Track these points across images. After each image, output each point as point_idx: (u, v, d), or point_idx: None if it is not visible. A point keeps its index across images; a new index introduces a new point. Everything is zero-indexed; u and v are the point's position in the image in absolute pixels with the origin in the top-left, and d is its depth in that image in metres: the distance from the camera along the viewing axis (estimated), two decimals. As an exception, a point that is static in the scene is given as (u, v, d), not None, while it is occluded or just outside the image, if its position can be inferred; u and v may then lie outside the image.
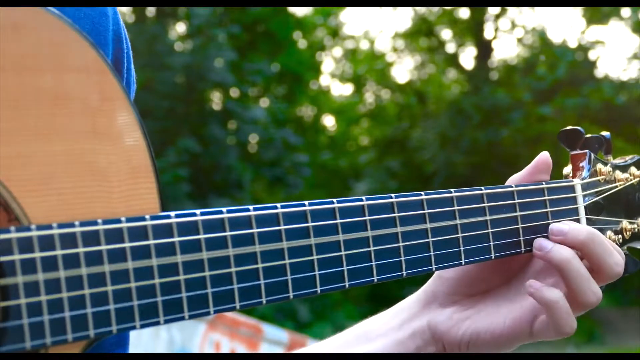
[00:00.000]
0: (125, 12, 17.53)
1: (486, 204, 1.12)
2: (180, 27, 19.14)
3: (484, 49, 23.12)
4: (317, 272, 0.95)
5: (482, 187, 1.12)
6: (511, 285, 1.18)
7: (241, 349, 6.11)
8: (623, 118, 19.16)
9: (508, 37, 26.69)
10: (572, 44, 22.36)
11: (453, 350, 1.16)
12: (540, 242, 1.13)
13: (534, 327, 1.12)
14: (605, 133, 1.28)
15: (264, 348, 6.33)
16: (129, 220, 0.82)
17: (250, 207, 0.90)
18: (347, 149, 23.51)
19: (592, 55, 22.30)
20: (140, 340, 5.35)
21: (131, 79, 1.10)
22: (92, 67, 0.83)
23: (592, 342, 18.26)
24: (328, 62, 26.11)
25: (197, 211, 0.86)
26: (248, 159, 18.31)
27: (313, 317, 16.34)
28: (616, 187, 1.27)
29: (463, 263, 1.09)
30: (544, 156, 1.19)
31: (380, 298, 17.40)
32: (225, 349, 5.96)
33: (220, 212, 0.88)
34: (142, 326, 0.82)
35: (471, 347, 1.15)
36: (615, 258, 1.13)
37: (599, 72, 22.41)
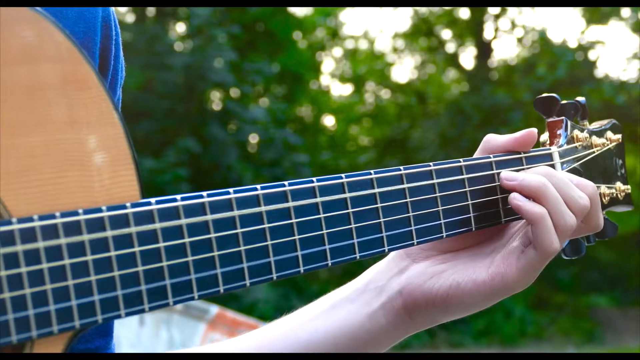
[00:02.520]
0: (125, 12, 17.54)
1: (465, 176, 1.11)
2: (180, 27, 19.16)
3: (484, 49, 23.11)
4: (299, 252, 0.95)
5: (461, 160, 1.12)
6: (487, 245, 1.15)
7: (241, 348, 6.10)
8: (623, 118, 19.14)
9: (508, 37, 26.68)
10: (572, 44, 22.36)
11: (427, 305, 1.11)
12: (509, 174, 1.12)
13: (519, 263, 1.08)
14: (581, 98, 1.27)
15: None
16: (109, 209, 0.82)
17: (231, 189, 0.90)
18: (347, 149, 23.48)
19: (592, 55, 22.30)
20: (140, 340, 5.35)
21: (119, 66, 1.10)
22: (67, 57, 0.83)
23: (592, 342, 18.25)
24: (328, 62, 26.12)
25: (178, 196, 0.86)
26: (248, 159, 18.31)
27: (313, 317, 16.34)
28: (593, 152, 1.26)
29: (444, 236, 1.09)
30: (532, 132, 1.18)
31: (380, 298, 17.37)
32: (224, 348, 5.95)
33: (201, 197, 0.88)
34: (127, 314, 0.82)
35: (450, 299, 1.10)
36: (577, 191, 1.11)
37: (599, 72, 22.40)
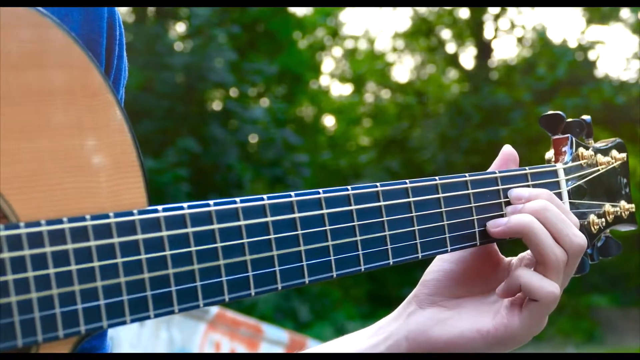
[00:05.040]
0: (125, 12, 17.53)
1: (470, 191, 1.12)
2: (180, 27, 19.15)
3: (484, 49, 23.11)
4: (304, 263, 0.95)
5: (466, 174, 1.12)
6: (492, 294, 1.15)
7: (241, 349, 6.12)
8: (623, 118, 19.17)
9: (508, 37, 26.69)
10: (572, 44, 22.37)
11: (431, 351, 1.11)
12: (494, 221, 1.12)
13: (522, 314, 1.09)
14: (586, 117, 1.28)
15: (264, 348, 6.33)
16: (117, 215, 0.82)
17: (237, 199, 0.90)
18: (347, 149, 23.48)
19: (592, 55, 22.31)
20: (140, 340, 5.34)
21: (122, 66, 1.10)
22: (76, 63, 0.83)
23: (592, 342, 18.26)
24: (328, 62, 26.12)
25: (185, 204, 0.87)
26: (248, 159, 18.30)
27: (313, 317, 16.34)
28: (598, 170, 1.27)
29: (449, 250, 1.09)
30: (509, 148, 1.19)
31: (380, 298, 17.39)
32: (225, 349, 5.96)
33: (208, 205, 0.88)
34: (132, 320, 0.82)
35: (454, 347, 1.10)
36: (574, 229, 1.11)
37: (599, 72, 22.42)
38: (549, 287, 1.07)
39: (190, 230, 0.86)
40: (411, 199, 1.06)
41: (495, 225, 1.11)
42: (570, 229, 1.10)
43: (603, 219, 1.25)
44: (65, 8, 1.01)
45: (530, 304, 1.09)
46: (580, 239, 1.10)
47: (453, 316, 1.12)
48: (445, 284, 1.15)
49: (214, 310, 5.94)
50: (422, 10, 23.39)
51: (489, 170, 1.17)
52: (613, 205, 1.27)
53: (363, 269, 1.01)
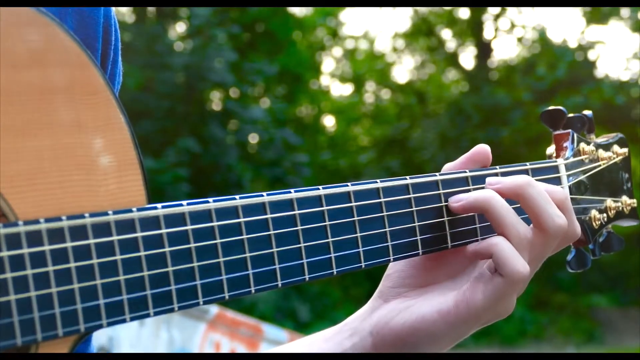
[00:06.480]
0: (125, 12, 17.54)
1: (471, 187, 1.11)
2: (180, 27, 19.16)
3: (484, 49, 23.12)
4: (304, 260, 0.95)
5: (467, 170, 1.11)
6: (458, 278, 1.11)
7: (241, 349, 6.12)
8: (623, 118, 19.17)
9: (508, 37, 26.69)
10: (572, 44, 22.38)
11: (395, 342, 1.07)
12: (456, 195, 1.08)
13: (485, 289, 1.03)
14: (587, 112, 1.27)
15: (264, 348, 6.33)
16: (116, 213, 0.82)
17: (237, 196, 0.90)
18: (347, 149, 23.47)
19: (592, 55, 22.32)
20: (140, 340, 5.35)
21: (117, 71, 1.10)
22: (75, 62, 0.83)
23: (592, 342, 18.26)
24: (328, 62, 26.14)
25: (184, 202, 0.87)
26: (248, 159, 18.31)
27: (313, 317, 16.35)
28: (599, 166, 1.26)
29: (449, 246, 1.08)
30: (482, 148, 1.14)
31: (380, 298, 17.36)
32: (225, 349, 5.96)
33: (207, 203, 0.88)
34: (132, 319, 0.82)
35: (417, 333, 1.05)
36: (556, 209, 1.06)
37: (599, 72, 22.42)
38: (519, 264, 1.02)
39: (189, 227, 0.86)
40: (412, 195, 1.06)
41: (457, 200, 1.07)
42: (552, 209, 1.05)
43: (605, 214, 1.25)
44: (59, 13, 1.01)
45: (495, 278, 1.03)
46: (562, 219, 1.06)
47: (416, 303, 1.08)
48: (408, 273, 1.12)
49: (214, 310, 5.94)
50: (422, 10, 23.40)
51: (442, 171, 1.14)
52: (615, 201, 1.27)
53: (363, 266, 1.01)
